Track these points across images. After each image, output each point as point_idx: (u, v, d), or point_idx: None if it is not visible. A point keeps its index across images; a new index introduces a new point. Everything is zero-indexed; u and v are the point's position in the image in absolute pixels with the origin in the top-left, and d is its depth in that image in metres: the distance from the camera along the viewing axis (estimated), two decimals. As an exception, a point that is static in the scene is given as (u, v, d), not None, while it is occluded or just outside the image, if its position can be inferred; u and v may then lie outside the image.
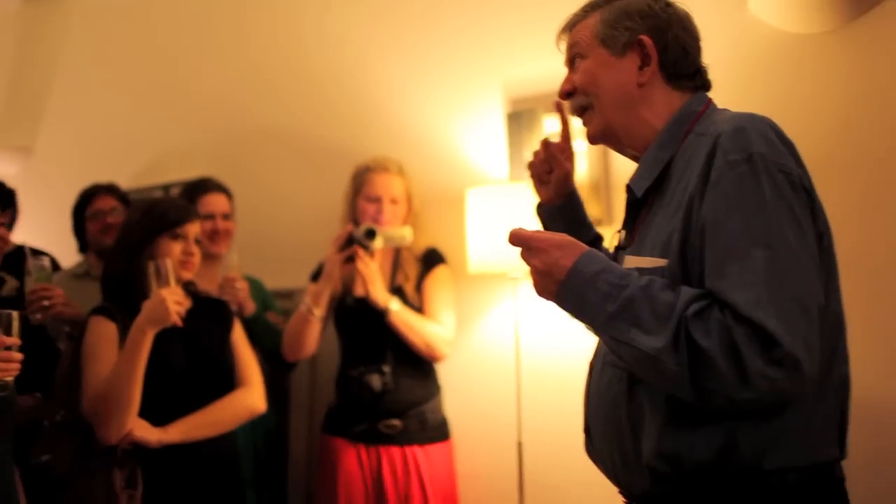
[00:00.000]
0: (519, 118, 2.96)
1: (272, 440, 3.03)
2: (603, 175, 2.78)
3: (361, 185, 2.87)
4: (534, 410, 2.75)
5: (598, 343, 1.53)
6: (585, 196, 2.76)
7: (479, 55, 3.08)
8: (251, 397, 2.46)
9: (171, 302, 2.21)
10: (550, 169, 1.79)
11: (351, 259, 2.71)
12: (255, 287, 3.02)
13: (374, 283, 2.70)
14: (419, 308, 2.81)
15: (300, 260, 3.16)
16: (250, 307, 2.87)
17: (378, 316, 2.72)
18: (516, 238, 1.39)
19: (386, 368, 2.72)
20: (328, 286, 2.75)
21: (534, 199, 1.87)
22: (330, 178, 3.15)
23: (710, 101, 1.52)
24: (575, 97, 1.57)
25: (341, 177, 2.99)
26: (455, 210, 2.94)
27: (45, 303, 2.48)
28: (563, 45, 1.60)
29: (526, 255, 1.38)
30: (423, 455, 2.74)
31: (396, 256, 2.88)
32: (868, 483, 1.65)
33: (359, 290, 2.79)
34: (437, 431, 2.81)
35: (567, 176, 1.79)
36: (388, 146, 3.13)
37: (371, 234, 2.71)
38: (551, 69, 2.85)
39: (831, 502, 1.35)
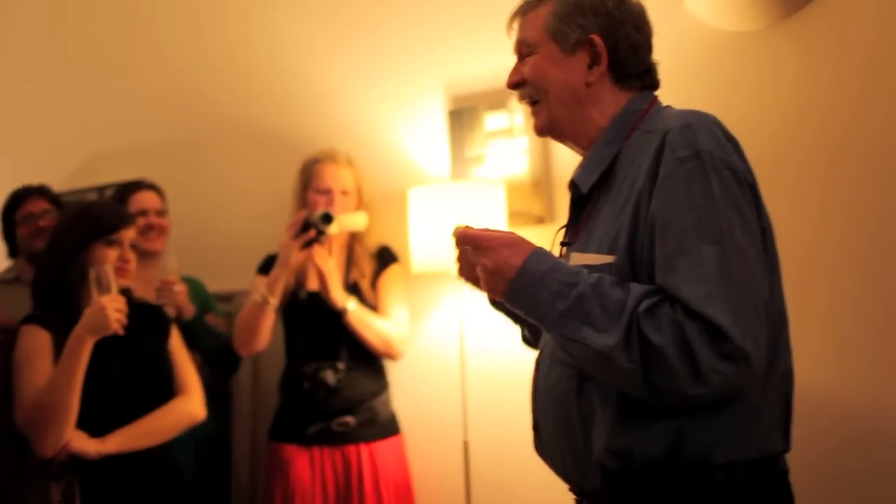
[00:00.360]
0: (460, 116, 2.95)
1: (213, 446, 2.98)
2: (544, 172, 2.79)
3: (311, 177, 2.82)
4: (480, 409, 2.75)
5: (544, 340, 1.52)
6: (527, 194, 2.80)
7: (420, 53, 3.07)
8: (191, 405, 2.42)
9: (112, 310, 2.15)
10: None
11: (308, 244, 2.66)
12: (195, 288, 2.97)
13: (333, 280, 2.67)
14: (374, 305, 2.79)
15: (241, 262, 3.11)
16: (189, 310, 2.82)
17: (331, 311, 2.69)
18: (464, 237, 1.37)
19: (340, 365, 2.70)
20: (283, 273, 2.69)
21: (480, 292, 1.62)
22: (272, 177, 3.11)
23: (655, 98, 1.53)
24: (524, 88, 1.55)
25: (283, 176, 2.95)
26: (398, 209, 2.92)
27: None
28: (514, 31, 1.58)
29: (474, 255, 1.36)
30: (376, 451, 2.72)
31: (350, 252, 2.85)
32: (810, 475, 1.68)
33: (312, 285, 2.76)
34: (388, 427, 2.79)
35: None
36: (331, 144, 3.09)
37: (328, 218, 2.65)
38: (492, 67, 2.88)
39: (776, 495, 1.37)
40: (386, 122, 3.10)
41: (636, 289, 1.27)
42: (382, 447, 2.74)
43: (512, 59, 2.75)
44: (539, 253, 1.33)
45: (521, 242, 1.35)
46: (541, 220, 2.78)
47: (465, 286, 1.66)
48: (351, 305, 2.69)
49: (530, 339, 1.74)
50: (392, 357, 2.80)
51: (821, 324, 2.25)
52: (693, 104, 1.47)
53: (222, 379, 3.12)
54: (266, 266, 2.82)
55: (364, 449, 2.71)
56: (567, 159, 2.73)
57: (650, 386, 1.23)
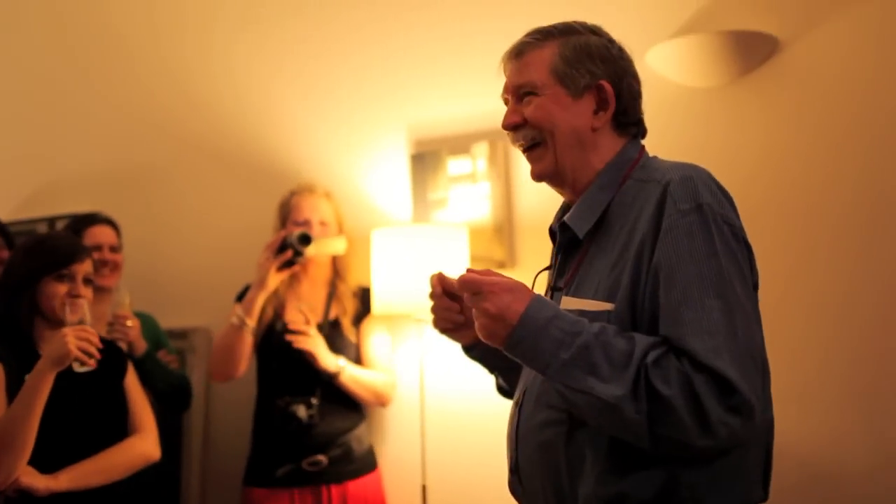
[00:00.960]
0: (423, 159, 2.98)
1: (161, 485, 2.90)
2: (506, 217, 2.83)
3: (289, 211, 2.80)
4: (439, 452, 2.74)
5: (525, 383, 1.50)
6: (489, 239, 2.83)
7: (383, 95, 3.09)
8: (145, 445, 2.37)
9: (73, 339, 2.10)
10: (460, 308, 1.57)
11: (285, 265, 2.66)
12: (147, 324, 2.91)
13: (320, 352, 2.64)
14: (354, 344, 2.77)
15: (196, 298, 3.08)
16: (141, 346, 2.76)
17: None
18: (467, 283, 1.34)
19: (314, 400, 2.65)
20: (260, 294, 2.67)
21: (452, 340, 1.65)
22: (229, 214, 3.09)
23: (643, 147, 1.55)
24: (523, 130, 1.51)
25: (241, 209, 2.95)
26: (360, 251, 2.91)
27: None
28: (508, 70, 1.55)
29: (475, 300, 1.33)
30: (349, 491, 2.67)
31: (332, 289, 2.82)
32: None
33: (289, 316, 2.73)
34: (364, 462, 2.73)
35: None
36: (289, 187, 3.09)
37: (305, 238, 2.65)
38: (455, 111, 2.92)
39: None
40: (348, 163, 3.11)
41: (641, 340, 1.28)
42: (356, 486, 2.68)
43: (474, 105, 2.83)
44: (540, 300, 1.33)
45: (523, 288, 1.34)
46: (502, 265, 2.80)
47: (436, 334, 1.64)
48: (341, 363, 2.67)
49: (506, 389, 1.73)
50: (383, 405, 2.81)
51: (785, 368, 2.31)
52: (662, 156, 1.52)
53: (173, 417, 3.05)
54: (244, 294, 2.79)
55: (335, 490, 2.65)
56: (530, 205, 2.78)
57: (654, 436, 1.24)
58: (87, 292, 2.31)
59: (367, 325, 2.82)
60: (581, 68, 1.47)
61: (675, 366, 1.24)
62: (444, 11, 2.98)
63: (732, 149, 2.49)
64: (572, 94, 1.47)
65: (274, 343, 2.75)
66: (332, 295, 2.82)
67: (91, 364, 2.14)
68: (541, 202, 1.66)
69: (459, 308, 1.57)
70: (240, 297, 2.81)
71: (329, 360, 2.67)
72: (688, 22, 2.56)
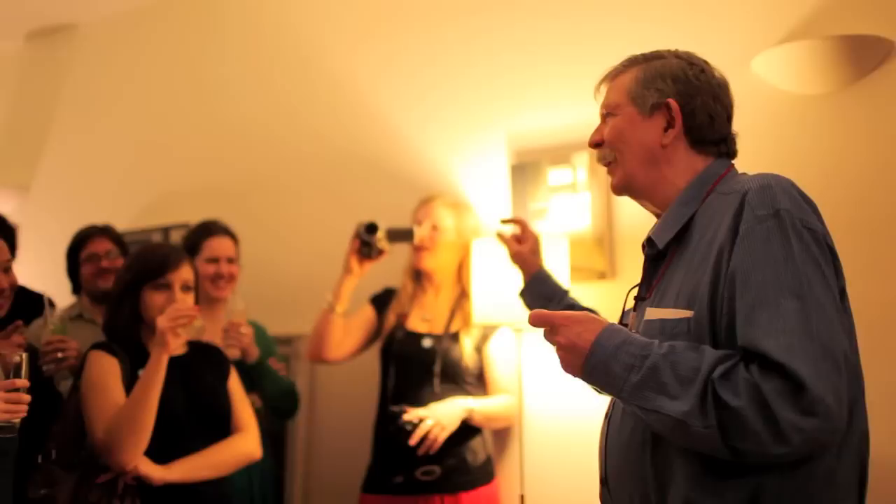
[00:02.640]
0: (523, 170, 2.99)
1: (267, 485, 2.98)
2: (607, 228, 2.81)
3: (415, 215, 2.87)
4: (538, 462, 2.73)
5: None
6: (589, 249, 2.81)
7: (483, 105, 3.12)
8: (248, 443, 2.47)
9: (164, 319, 2.24)
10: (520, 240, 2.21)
11: (363, 254, 2.76)
12: (258, 332, 2.99)
13: (446, 427, 2.61)
14: (472, 361, 2.75)
15: (302, 305, 3.14)
16: (254, 353, 2.82)
17: (426, 350, 2.73)
18: (538, 318, 1.44)
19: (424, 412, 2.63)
20: (345, 279, 2.80)
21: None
22: (333, 224, 3.15)
23: (732, 166, 1.58)
24: (601, 148, 1.62)
25: (344, 223, 2.99)
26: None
27: (60, 355, 2.49)
28: (601, 94, 1.65)
29: (549, 335, 1.43)
30: (465, 501, 2.64)
31: (457, 303, 2.84)
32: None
33: (411, 325, 2.81)
34: (479, 473, 2.70)
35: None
36: (392, 195, 3.15)
37: (371, 228, 2.75)
38: (556, 122, 2.92)
39: None
40: (450, 174, 3.15)
41: (710, 354, 1.30)
42: (469, 498, 2.65)
43: (575, 114, 2.83)
44: (611, 328, 1.38)
45: (593, 320, 1.40)
46: (602, 276, 2.78)
47: (535, 344, 1.76)
48: (469, 404, 2.66)
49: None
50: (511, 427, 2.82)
51: (874, 386, 2.22)
52: (757, 164, 1.53)
53: (278, 424, 3.13)
54: (377, 297, 2.93)
55: (449, 500, 2.63)
56: (631, 217, 2.75)
57: (730, 448, 1.26)
58: (185, 298, 2.40)
59: (494, 347, 2.80)
60: (651, 87, 1.55)
61: (743, 377, 1.25)
62: (545, 22, 2.99)
63: (842, 157, 2.41)
64: (642, 112, 1.56)
65: (393, 350, 2.80)
66: (457, 305, 2.83)
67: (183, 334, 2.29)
68: (642, 213, 1.66)
69: (524, 250, 2.17)
70: (374, 299, 2.93)
71: (456, 415, 2.63)
72: (796, 27, 2.49)
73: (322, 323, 2.82)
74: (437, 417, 2.60)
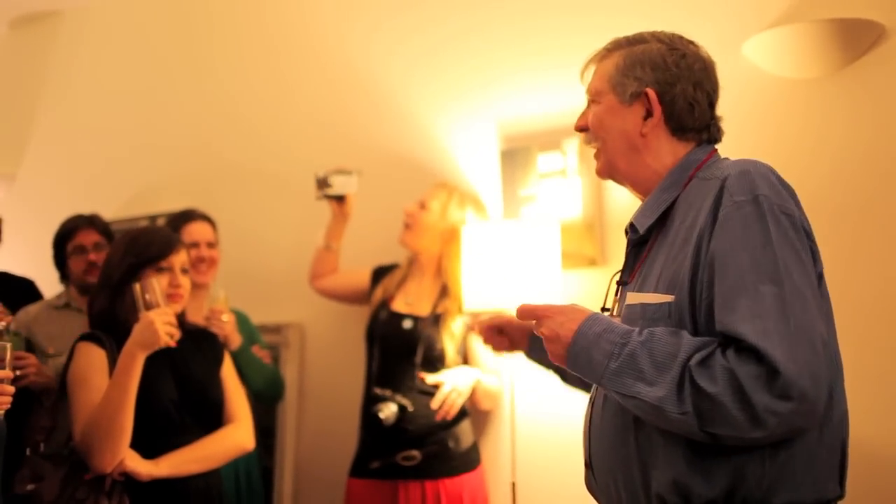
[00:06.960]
0: (513, 155, 2.97)
1: (255, 476, 2.97)
2: (598, 214, 2.79)
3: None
4: (529, 449, 2.72)
5: None
6: (580, 235, 2.80)
7: (473, 92, 3.10)
8: (240, 435, 2.42)
9: (161, 323, 2.17)
10: (507, 339, 1.95)
11: (334, 198, 2.90)
12: (241, 320, 2.98)
13: (462, 395, 2.65)
14: (452, 343, 2.76)
15: (289, 294, 3.13)
16: (236, 341, 2.82)
17: (409, 332, 2.73)
18: (524, 312, 1.49)
19: (404, 400, 2.64)
20: (330, 220, 2.96)
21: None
22: (320, 212, 3.12)
23: (714, 150, 1.58)
24: (587, 134, 1.64)
25: (328, 213, 2.98)
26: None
27: (18, 372, 2.40)
28: (588, 76, 1.67)
29: (536, 326, 1.47)
30: (444, 490, 2.63)
31: (443, 287, 2.84)
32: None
33: (396, 306, 2.84)
34: (462, 460, 2.68)
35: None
36: (380, 182, 3.12)
37: (321, 183, 2.89)
38: (546, 107, 2.90)
39: None
40: (439, 160, 3.13)
41: (688, 341, 1.32)
42: (453, 484, 2.64)
43: (565, 100, 2.81)
44: (593, 317, 1.41)
45: (576, 310, 1.44)
46: (593, 262, 2.77)
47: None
48: (476, 375, 2.70)
49: (570, 379, 1.87)
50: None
51: (875, 374, 2.22)
52: (748, 149, 1.54)
53: (266, 412, 3.11)
54: (379, 269, 2.99)
55: (430, 486, 2.63)
56: (621, 202, 2.74)
57: (708, 433, 1.28)
58: (185, 282, 2.37)
59: None
60: (630, 76, 1.56)
61: (720, 363, 1.27)
62: (534, 7, 2.97)
63: (832, 141, 2.40)
64: (622, 100, 1.57)
65: (376, 331, 2.82)
66: (443, 289, 2.82)
67: (173, 343, 2.21)
68: (632, 199, 1.66)
69: (507, 339, 1.93)
70: (376, 269, 3.00)
71: (468, 383, 2.68)
72: (786, 11, 2.47)
73: (318, 260, 2.99)
74: (453, 384, 2.63)
